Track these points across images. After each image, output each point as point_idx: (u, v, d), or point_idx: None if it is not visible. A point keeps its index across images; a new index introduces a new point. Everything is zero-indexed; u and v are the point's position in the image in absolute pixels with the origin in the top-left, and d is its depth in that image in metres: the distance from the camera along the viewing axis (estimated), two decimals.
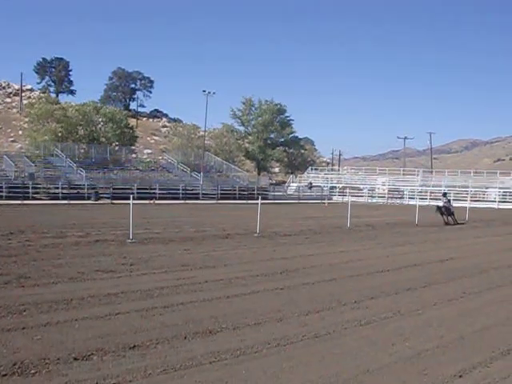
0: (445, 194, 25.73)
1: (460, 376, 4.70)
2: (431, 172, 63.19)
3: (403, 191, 52.95)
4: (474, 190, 49.62)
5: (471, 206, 34.68)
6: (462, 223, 23.92)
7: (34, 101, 63.20)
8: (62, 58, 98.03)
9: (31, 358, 4.74)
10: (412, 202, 41.54)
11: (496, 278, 9.95)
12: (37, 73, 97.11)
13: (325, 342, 5.59)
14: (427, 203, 45.60)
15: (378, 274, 9.85)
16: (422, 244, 15.35)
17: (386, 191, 54.15)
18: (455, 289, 8.61)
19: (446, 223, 23.01)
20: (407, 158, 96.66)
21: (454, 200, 47.22)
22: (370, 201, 51.16)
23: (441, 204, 24.28)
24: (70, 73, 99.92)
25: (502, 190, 48.59)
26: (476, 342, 5.73)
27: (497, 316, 6.92)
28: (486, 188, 49.99)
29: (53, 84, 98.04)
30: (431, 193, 50.38)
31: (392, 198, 52.18)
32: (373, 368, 4.84)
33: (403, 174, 59.17)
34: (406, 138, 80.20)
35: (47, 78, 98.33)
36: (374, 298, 7.73)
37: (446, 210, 23.31)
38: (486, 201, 47.85)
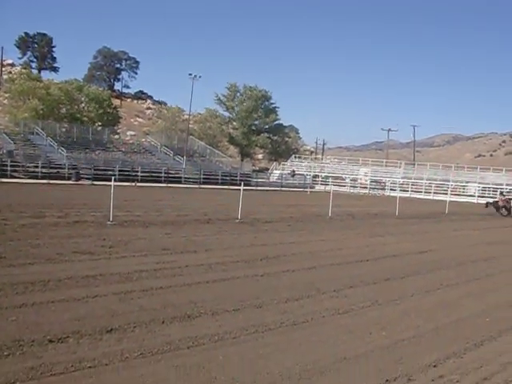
0: (502, 193, 30.61)
1: (434, 366, 4.79)
2: (413, 165, 63.76)
3: (385, 182, 53.44)
4: (454, 184, 50.34)
5: (451, 199, 35.33)
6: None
7: (15, 76, 61.54)
8: (45, 34, 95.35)
9: (5, 339, 4.66)
10: (393, 194, 41.87)
11: (473, 270, 10.14)
12: (18, 48, 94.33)
13: (303, 329, 5.62)
14: (408, 195, 46.34)
15: (357, 264, 9.93)
16: (402, 235, 15.53)
17: (368, 182, 54.56)
18: (433, 280, 8.74)
19: (503, 214, 27.11)
20: (390, 150, 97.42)
21: (434, 193, 48.58)
22: (352, 191, 51.46)
23: (491, 200, 29.57)
24: (54, 49, 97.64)
25: (481, 185, 49.38)
26: (451, 333, 5.83)
27: (472, 308, 7.05)
28: (466, 182, 50.70)
29: (35, 60, 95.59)
30: (412, 185, 51.00)
31: (374, 188, 52.64)
32: (350, 356, 4.89)
33: (386, 166, 59.57)
34: (389, 129, 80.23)
35: (29, 53, 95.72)
36: (352, 287, 7.80)
37: (495, 205, 27.91)
38: (466, 195, 48.58)
